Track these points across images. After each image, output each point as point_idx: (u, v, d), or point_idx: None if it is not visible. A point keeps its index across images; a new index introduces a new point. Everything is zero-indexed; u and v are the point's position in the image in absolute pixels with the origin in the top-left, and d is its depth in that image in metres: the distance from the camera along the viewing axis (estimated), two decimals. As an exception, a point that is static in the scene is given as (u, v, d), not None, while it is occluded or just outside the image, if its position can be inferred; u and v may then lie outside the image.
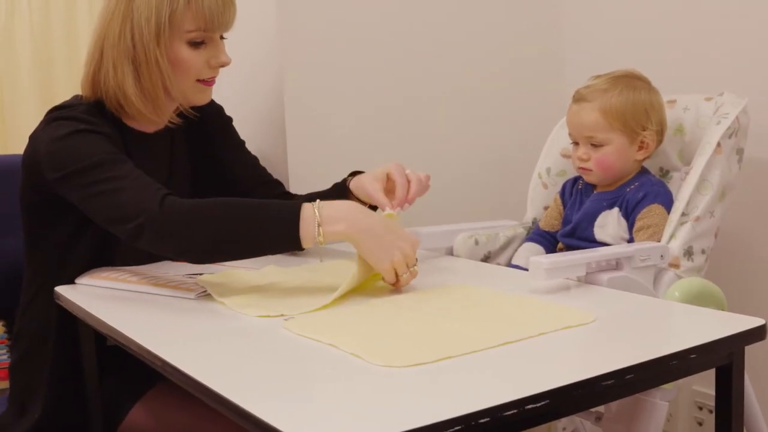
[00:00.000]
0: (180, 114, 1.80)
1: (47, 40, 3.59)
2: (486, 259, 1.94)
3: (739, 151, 1.78)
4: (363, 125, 2.21)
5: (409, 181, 1.74)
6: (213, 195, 1.59)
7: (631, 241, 1.77)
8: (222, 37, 1.72)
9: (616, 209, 1.81)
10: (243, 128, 2.01)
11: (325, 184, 1.96)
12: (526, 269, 1.80)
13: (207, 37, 1.68)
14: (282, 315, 1.38)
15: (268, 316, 1.38)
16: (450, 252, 1.90)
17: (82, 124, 1.62)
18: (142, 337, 1.30)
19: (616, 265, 1.57)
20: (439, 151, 2.35)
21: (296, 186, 2.08)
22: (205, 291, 1.55)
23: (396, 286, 1.51)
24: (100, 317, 1.45)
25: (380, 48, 2.23)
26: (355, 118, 2.20)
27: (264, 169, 1.99)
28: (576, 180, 1.96)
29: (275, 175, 2.00)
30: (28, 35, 3.56)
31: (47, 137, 1.63)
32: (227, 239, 1.48)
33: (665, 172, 1.94)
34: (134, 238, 1.51)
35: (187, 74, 1.69)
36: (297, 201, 1.51)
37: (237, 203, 1.50)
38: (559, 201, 1.98)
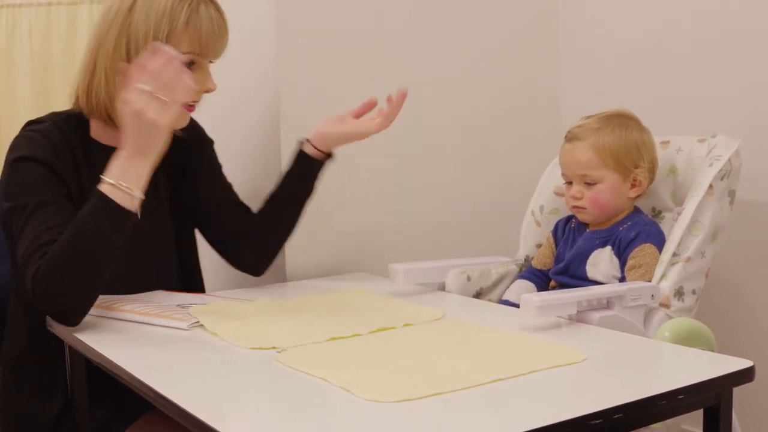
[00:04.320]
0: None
1: (46, 61, 3.61)
2: (478, 295, 1.94)
3: (731, 193, 1.80)
4: (358, 156, 2.21)
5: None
6: (188, 215, 1.80)
7: (622, 280, 1.78)
8: (210, 62, 1.75)
9: (608, 248, 1.82)
10: (238, 147, 2.02)
11: (320, 204, 2.01)
12: (517, 305, 1.80)
13: (198, 60, 1.70)
14: (274, 347, 1.38)
15: (261, 348, 1.38)
16: (442, 288, 1.90)
17: (27, 150, 1.65)
18: (134, 367, 1.30)
19: (607, 304, 1.58)
20: (434, 186, 2.35)
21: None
22: (198, 322, 1.55)
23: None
24: (91, 345, 1.45)
25: (377, 80, 2.24)
26: (347, 149, 2.21)
27: (236, 195, 1.99)
28: (569, 219, 1.97)
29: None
30: (27, 55, 3.59)
31: (7, 156, 1.69)
32: (84, 268, 1.51)
33: (657, 212, 1.96)
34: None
35: None
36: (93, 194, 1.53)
37: (65, 237, 1.52)
38: (552, 240, 1.99)
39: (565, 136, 1.88)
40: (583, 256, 1.84)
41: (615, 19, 2.44)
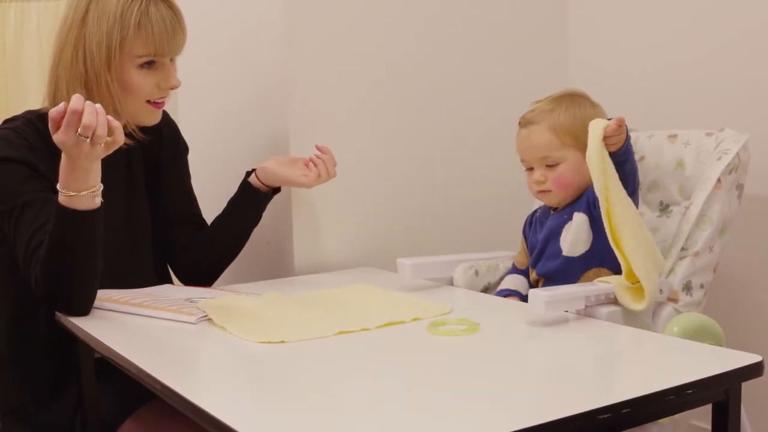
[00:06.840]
0: (143, 130, 1.82)
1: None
2: (486, 290, 1.94)
3: (739, 187, 1.79)
4: (364, 152, 2.21)
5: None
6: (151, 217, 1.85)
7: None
8: (172, 60, 1.77)
9: (580, 217, 1.77)
10: (248, 139, 2.02)
11: (328, 199, 2.05)
12: (514, 291, 1.80)
13: (157, 60, 1.73)
14: (282, 341, 1.38)
15: (270, 342, 1.38)
16: (450, 282, 1.90)
17: (4, 151, 1.67)
18: (142, 361, 1.31)
19: (615, 299, 1.58)
20: (442, 181, 2.35)
21: (298, 201, 2.10)
22: (206, 316, 1.55)
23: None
24: (100, 339, 1.45)
25: (385, 77, 2.24)
26: (356, 143, 2.21)
27: (197, 207, 2.03)
28: (533, 213, 1.95)
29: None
30: (36, 50, 3.59)
31: None
32: (70, 268, 1.56)
33: (665, 206, 1.95)
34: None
35: (137, 96, 1.74)
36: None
37: (46, 249, 1.56)
38: (523, 240, 1.95)
39: (520, 122, 1.86)
40: (556, 234, 1.81)
41: (623, 15, 2.43)
